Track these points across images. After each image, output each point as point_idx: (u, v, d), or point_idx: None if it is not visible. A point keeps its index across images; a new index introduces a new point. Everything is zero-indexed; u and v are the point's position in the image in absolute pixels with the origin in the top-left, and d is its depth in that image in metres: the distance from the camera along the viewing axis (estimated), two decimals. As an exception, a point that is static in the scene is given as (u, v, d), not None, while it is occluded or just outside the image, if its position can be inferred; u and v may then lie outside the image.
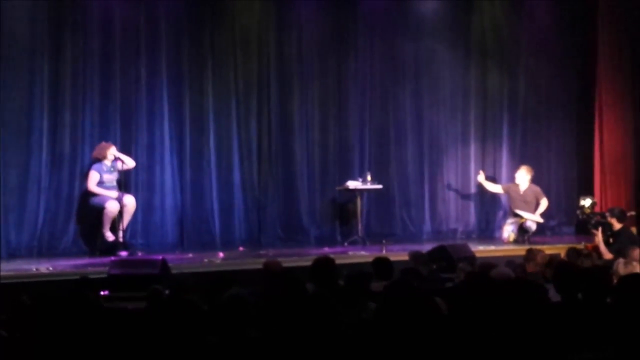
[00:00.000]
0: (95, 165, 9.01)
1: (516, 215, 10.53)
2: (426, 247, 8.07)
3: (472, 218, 11.68)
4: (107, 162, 9.01)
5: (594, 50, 11.83)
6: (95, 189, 8.95)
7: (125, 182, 9.19)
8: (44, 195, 9.11)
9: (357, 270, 5.29)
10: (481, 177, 11.16)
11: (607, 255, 7.93)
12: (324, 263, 5.57)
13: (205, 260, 8.43)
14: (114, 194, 8.90)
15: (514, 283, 4.66)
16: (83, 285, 5.84)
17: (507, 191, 11.00)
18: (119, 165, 9.06)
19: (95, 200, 8.99)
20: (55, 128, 9.25)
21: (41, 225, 9.07)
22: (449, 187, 11.62)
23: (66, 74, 9.32)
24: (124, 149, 9.28)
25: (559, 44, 12.10)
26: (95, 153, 9.06)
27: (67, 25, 9.35)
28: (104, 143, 9.12)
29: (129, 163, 9.22)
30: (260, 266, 6.45)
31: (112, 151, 9.02)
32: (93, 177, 8.95)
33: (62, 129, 9.29)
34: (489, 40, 11.82)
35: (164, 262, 7.05)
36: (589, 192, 11.05)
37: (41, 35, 9.17)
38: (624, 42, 11.76)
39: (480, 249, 9.20)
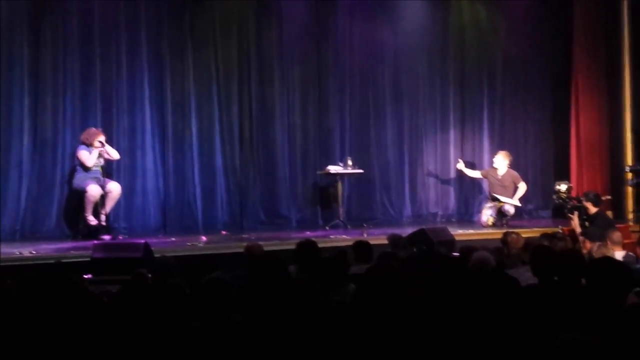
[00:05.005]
0: (83, 146, 8.95)
1: (495, 200, 10.66)
2: (407, 231, 8.17)
3: (452, 202, 11.83)
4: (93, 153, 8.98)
5: (570, 37, 11.96)
6: (91, 163, 8.88)
7: (107, 167, 9.21)
8: (26, 179, 9.10)
9: (335, 252, 5.34)
10: (460, 165, 11.30)
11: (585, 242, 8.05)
12: (308, 246, 5.65)
13: (188, 243, 8.45)
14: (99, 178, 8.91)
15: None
16: (60, 269, 5.86)
17: (485, 176, 11.15)
18: (103, 154, 9.05)
19: (77, 184, 8.98)
20: (36, 112, 9.23)
21: (23, 209, 9.07)
22: (429, 171, 11.75)
23: (46, 58, 9.29)
24: (106, 134, 9.21)
25: (536, 32, 12.23)
26: (84, 137, 8.98)
27: (47, 8, 9.31)
28: (93, 129, 9.04)
29: (114, 155, 9.18)
30: (242, 250, 6.52)
31: (100, 139, 8.96)
32: (85, 155, 8.87)
33: (43, 113, 9.28)
34: (467, 27, 11.93)
35: (146, 246, 7.08)
36: (565, 177, 11.23)
37: (20, 19, 9.12)
38: (599, 30, 11.89)
39: (460, 233, 9.33)
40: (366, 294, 3.41)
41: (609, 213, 10.24)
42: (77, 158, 8.95)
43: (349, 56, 11.24)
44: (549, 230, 8.14)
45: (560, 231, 8.36)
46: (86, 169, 8.91)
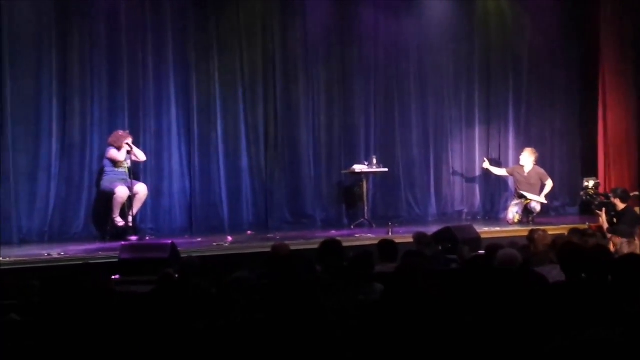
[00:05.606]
0: (112, 147, 9.05)
1: (521, 197, 10.58)
2: (432, 229, 8.14)
3: (477, 200, 11.77)
4: (122, 150, 9.06)
5: (597, 33, 11.83)
6: (122, 157, 8.97)
7: (134, 169, 9.29)
8: (55, 182, 9.21)
9: (360, 252, 5.34)
10: (486, 164, 11.24)
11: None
12: (332, 245, 5.65)
13: (214, 244, 8.49)
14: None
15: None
16: (88, 270, 5.94)
17: (511, 173, 11.07)
18: (131, 156, 9.13)
19: (105, 185, 9.08)
20: (64, 115, 9.33)
21: (52, 211, 9.18)
22: (454, 169, 11.70)
23: (74, 61, 9.38)
24: (133, 136, 9.29)
25: (562, 27, 12.13)
26: (112, 140, 9.07)
27: (74, 13, 9.41)
28: (121, 132, 9.12)
29: (141, 157, 9.28)
30: (268, 249, 6.54)
31: (128, 141, 9.04)
32: (115, 153, 8.97)
33: (71, 116, 9.37)
34: (492, 24, 11.87)
35: (173, 246, 7.13)
36: (593, 173, 11.13)
37: (49, 23, 9.23)
38: (626, 25, 11.76)
39: (485, 230, 9.27)
40: (396, 292, 3.40)
41: (637, 209, 10.12)
42: (107, 157, 9.06)
43: (373, 54, 11.22)
44: (577, 226, 8.06)
45: (587, 227, 8.29)
46: (116, 166, 9.01)
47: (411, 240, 7.12)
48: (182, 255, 7.04)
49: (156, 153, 9.88)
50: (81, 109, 9.43)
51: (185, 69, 10.08)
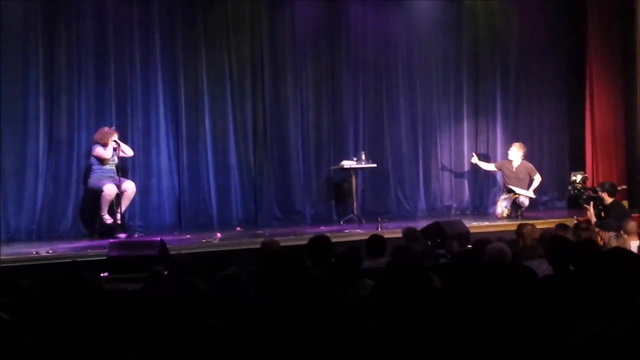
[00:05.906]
0: (98, 144, 9.04)
1: (509, 191, 10.62)
2: (421, 224, 8.15)
3: (466, 195, 11.81)
4: (108, 148, 9.04)
5: (584, 27, 11.88)
6: (108, 155, 8.97)
7: (122, 166, 9.26)
8: (42, 180, 9.16)
9: (348, 247, 5.33)
10: (474, 159, 11.28)
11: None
12: (321, 241, 5.65)
13: (203, 240, 8.48)
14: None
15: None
16: (77, 268, 5.91)
17: (500, 168, 11.11)
18: (118, 152, 9.10)
19: (92, 183, 9.06)
20: (52, 113, 9.29)
21: (40, 209, 9.13)
22: (442, 164, 11.73)
23: (61, 58, 9.33)
24: (121, 133, 9.30)
25: (550, 22, 12.17)
26: (97, 137, 9.06)
27: (61, 9, 9.36)
28: (107, 129, 9.11)
29: (128, 152, 9.27)
30: (257, 246, 6.53)
31: (114, 138, 9.04)
32: (101, 150, 8.97)
33: (59, 113, 9.33)
34: (481, 19, 11.89)
35: (162, 244, 7.10)
36: (581, 167, 11.18)
37: (35, 20, 9.18)
38: (613, 20, 11.81)
39: (474, 225, 9.30)
40: (388, 288, 3.39)
41: (625, 203, 10.18)
42: (93, 155, 9.03)
43: (361, 51, 11.22)
44: (565, 221, 8.09)
45: (576, 221, 8.32)
46: (103, 163, 8.99)
47: (400, 235, 7.14)
48: (172, 252, 7.02)
49: (144, 150, 9.84)
50: (68, 106, 9.38)
51: (172, 66, 10.04)
